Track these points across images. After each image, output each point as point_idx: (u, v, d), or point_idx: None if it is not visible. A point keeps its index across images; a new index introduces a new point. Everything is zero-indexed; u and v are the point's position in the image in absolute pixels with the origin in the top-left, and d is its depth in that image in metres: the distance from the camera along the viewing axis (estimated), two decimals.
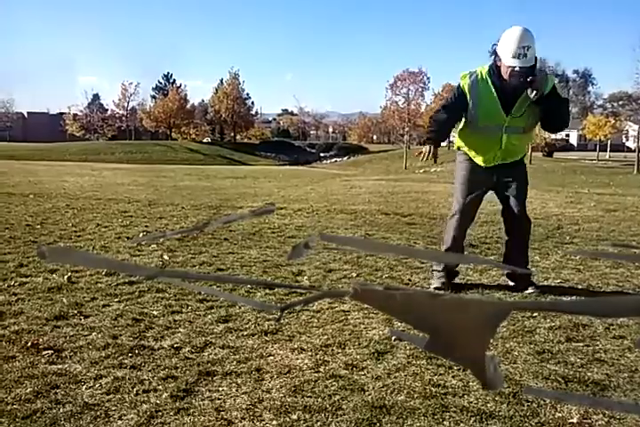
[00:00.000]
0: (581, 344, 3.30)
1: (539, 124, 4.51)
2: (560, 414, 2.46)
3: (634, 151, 36.56)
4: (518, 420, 2.41)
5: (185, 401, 2.55)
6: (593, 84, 78.73)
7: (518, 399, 2.60)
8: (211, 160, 46.05)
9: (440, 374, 2.84)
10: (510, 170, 4.43)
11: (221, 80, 68.83)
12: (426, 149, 4.51)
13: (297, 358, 3.07)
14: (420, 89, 57.34)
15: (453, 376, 2.80)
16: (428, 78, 58.05)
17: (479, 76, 4.24)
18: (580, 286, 4.63)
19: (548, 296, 4.28)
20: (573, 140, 73.29)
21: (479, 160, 4.43)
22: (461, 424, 2.37)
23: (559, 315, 3.64)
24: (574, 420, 2.41)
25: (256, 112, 71.48)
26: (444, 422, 2.39)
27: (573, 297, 4.25)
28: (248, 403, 2.55)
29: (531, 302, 3.31)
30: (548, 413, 2.47)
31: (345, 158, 63.01)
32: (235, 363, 2.99)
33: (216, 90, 68.81)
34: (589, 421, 2.41)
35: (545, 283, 4.66)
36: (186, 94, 67.09)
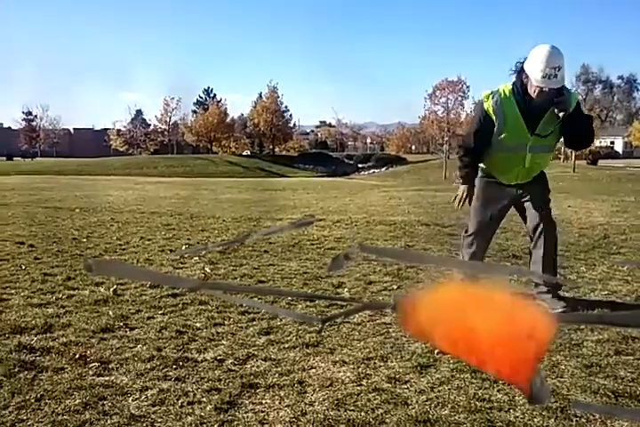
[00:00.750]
0: (631, 358, 3.20)
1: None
2: None
3: None
4: None
5: (229, 413, 2.57)
6: (638, 89, 76.86)
7: (566, 414, 2.53)
8: (250, 173, 46.58)
9: (485, 388, 2.79)
10: (530, 181, 4.35)
11: (260, 94, 69.71)
12: (461, 190, 4.39)
13: (339, 371, 3.06)
14: (459, 98, 56.82)
15: (499, 390, 2.75)
16: (467, 87, 57.45)
17: (502, 95, 4.09)
18: (628, 298, 4.50)
19: (596, 308, 4.17)
20: (619, 147, 71.50)
21: (502, 179, 4.36)
22: None
23: (607, 328, 3.54)
24: None
25: (294, 124, 71.99)
26: None
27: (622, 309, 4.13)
28: (291, 416, 2.55)
29: (577, 314, 3.24)
30: None
31: (383, 169, 62.83)
32: (277, 375, 3.00)
33: (255, 103, 69.66)
34: None
35: (592, 295, 4.55)
36: (226, 108, 68.13)
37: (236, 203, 13.61)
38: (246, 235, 8.40)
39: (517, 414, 2.53)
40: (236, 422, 2.49)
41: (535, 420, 2.48)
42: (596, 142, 55.93)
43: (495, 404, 2.64)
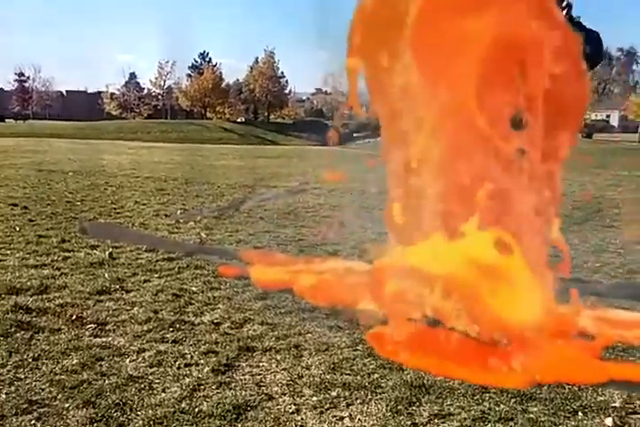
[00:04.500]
0: None
1: None
2: (602, 398, 2.43)
3: None
4: (559, 402, 2.38)
5: (226, 375, 2.60)
6: (638, 62, 76.10)
7: (558, 382, 2.57)
8: (244, 140, 46.18)
9: None
10: None
11: (256, 59, 68.56)
12: None
13: (335, 336, 3.09)
14: None
15: None
16: None
17: None
18: (620, 270, 4.54)
19: (588, 280, 4.21)
20: (614, 121, 71.20)
21: None
22: (501, 405, 2.36)
23: (599, 299, 3.57)
24: (617, 404, 2.38)
25: (290, 91, 71.06)
26: (484, 403, 2.38)
27: (613, 281, 4.18)
28: (288, 379, 2.58)
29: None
30: (590, 396, 2.45)
31: (378, 139, 62.24)
32: (274, 339, 3.03)
33: (251, 68, 68.61)
34: (632, 405, 2.38)
35: (585, 266, 4.59)
36: (221, 73, 67.09)
37: (231, 169, 13.55)
38: (241, 201, 8.39)
39: None
40: (233, 384, 2.51)
41: (528, 387, 2.52)
42: (592, 116, 55.61)
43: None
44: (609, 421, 2.26)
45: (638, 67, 75.57)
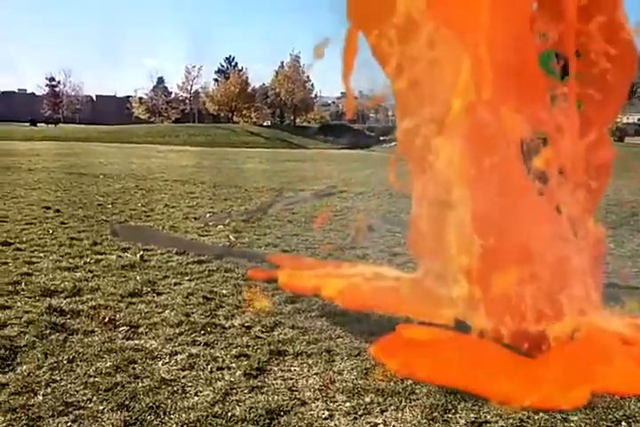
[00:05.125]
0: None
1: None
2: None
3: None
4: (601, 411, 2.32)
5: (258, 379, 2.58)
6: None
7: (601, 392, 2.50)
8: (271, 143, 46.36)
9: None
10: None
11: (282, 63, 68.86)
12: None
13: (366, 341, 3.05)
14: None
15: None
16: None
17: None
18: None
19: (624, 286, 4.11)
20: None
21: None
22: (540, 413, 2.30)
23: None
24: None
25: (315, 95, 71.19)
26: (522, 411, 2.32)
27: None
28: (320, 384, 2.55)
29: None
30: (633, 406, 2.37)
31: None
32: (305, 343, 3.01)
33: (276, 73, 68.95)
34: None
35: (621, 272, 4.47)
36: (247, 77, 67.54)
37: (258, 173, 13.62)
38: (269, 204, 8.40)
39: None
40: (265, 389, 2.50)
41: None
42: (624, 119, 54.52)
43: None
44: None
45: None
